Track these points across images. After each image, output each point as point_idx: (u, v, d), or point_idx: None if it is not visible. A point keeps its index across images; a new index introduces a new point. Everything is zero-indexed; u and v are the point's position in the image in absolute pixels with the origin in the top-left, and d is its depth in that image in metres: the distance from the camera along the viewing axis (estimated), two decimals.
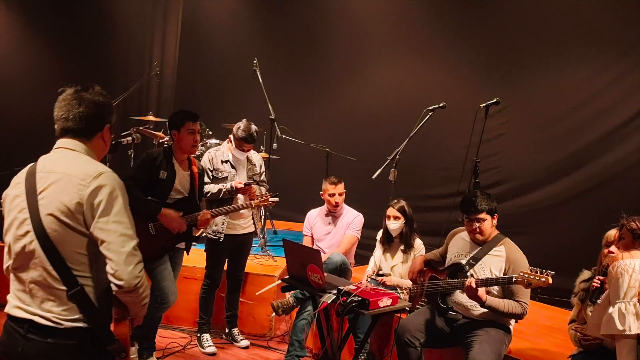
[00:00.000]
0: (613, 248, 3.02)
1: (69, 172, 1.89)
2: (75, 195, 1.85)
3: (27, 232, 1.88)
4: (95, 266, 1.90)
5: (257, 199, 4.12)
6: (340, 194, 4.54)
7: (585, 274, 3.26)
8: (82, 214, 1.86)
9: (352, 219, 4.58)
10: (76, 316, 1.88)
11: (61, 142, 1.99)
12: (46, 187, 1.89)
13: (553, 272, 2.91)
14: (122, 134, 5.49)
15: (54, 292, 1.88)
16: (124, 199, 1.92)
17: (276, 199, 4.13)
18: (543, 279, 2.89)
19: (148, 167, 3.63)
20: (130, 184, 3.54)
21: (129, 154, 5.99)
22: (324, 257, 4.37)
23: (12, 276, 1.95)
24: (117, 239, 1.86)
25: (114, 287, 1.87)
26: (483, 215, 3.31)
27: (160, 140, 5.82)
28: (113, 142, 3.83)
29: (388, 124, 6.44)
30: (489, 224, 3.34)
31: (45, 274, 1.87)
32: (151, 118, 6.08)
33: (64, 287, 1.87)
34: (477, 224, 3.33)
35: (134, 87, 6.42)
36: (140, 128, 5.84)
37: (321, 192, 4.61)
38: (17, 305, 1.92)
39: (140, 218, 3.58)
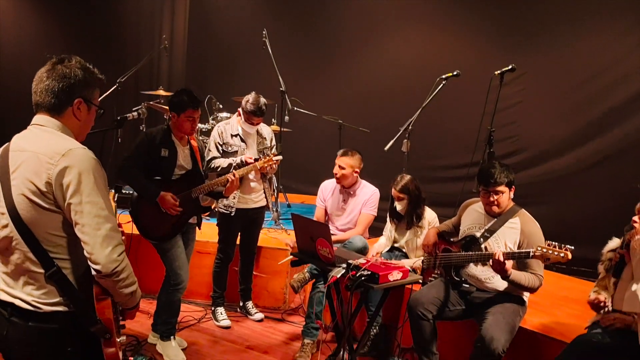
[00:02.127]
0: (637, 218, 2.87)
1: (38, 150, 1.80)
2: (44, 175, 1.77)
3: (3, 213, 1.82)
4: (74, 248, 1.82)
5: (261, 159, 3.98)
6: (341, 167, 4.34)
7: (614, 242, 3.14)
8: (52, 194, 1.77)
9: (368, 197, 4.43)
10: (55, 300, 1.84)
11: (35, 119, 1.91)
12: (17, 167, 1.82)
13: (572, 247, 2.82)
14: (134, 109, 5.47)
15: (33, 275, 1.83)
16: (97, 177, 1.81)
17: (280, 157, 4.02)
18: (562, 254, 2.81)
19: (147, 146, 3.60)
20: (129, 165, 3.55)
21: (141, 129, 5.96)
22: (341, 236, 4.33)
23: None
24: (92, 221, 1.76)
25: (93, 272, 1.80)
26: (502, 188, 3.23)
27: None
28: (118, 118, 3.86)
29: (401, 94, 6.31)
30: (506, 197, 3.27)
31: (23, 256, 1.82)
32: (162, 92, 6.03)
33: (41, 270, 1.82)
34: (495, 197, 3.25)
35: (142, 62, 6.35)
36: (151, 103, 5.81)
37: None
38: (1, 287, 1.89)
39: None
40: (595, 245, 3.31)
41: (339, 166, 4.36)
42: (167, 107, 5.91)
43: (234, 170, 3.88)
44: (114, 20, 7.53)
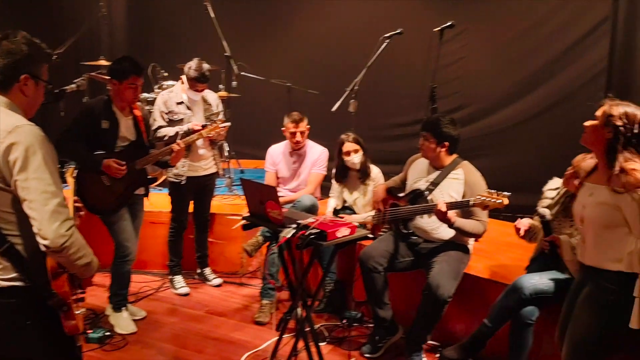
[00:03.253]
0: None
1: None
2: None
3: None
4: (25, 224, 1.82)
5: (208, 127, 3.96)
6: (302, 133, 4.40)
7: (554, 182, 3.32)
8: (0, 172, 1.78)
9: (317, 156, 4.49)
10: (12, 275, 1.86)
11: None
12: None
13: (509, 193, 2.96)
14: (74, 80, 5.32)
15: None
16: (44, 153, 1.81)
17: (227, 124, 4.03)
18: (499, 201, 2.95)
19: (86, 119, 3.53)
20: (67, 138, 3.48)
21: (84, 101, 5.79)
22: (292, 196, 4.40)
23: None
24: (39, 197, 1.78)
25: (41, 247, 1.82)
26: (427, 135, 3.39)
27: None
28: (57, 91, 3.77)
29: (348, 55, 6.29)
30: (431, 147, 3.39)
31: None
32: (103, 62, 5.85)
33: None
34: (422, 141, 3.42)
35: (80, 32, 6.12)
36: (93, 74, 5.64)
37: (283, 129, 4.49)
38: None
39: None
40: (538, 192, 3.49)
41: (300, 132, 4.38)
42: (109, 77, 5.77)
43: (179, 140, 3.85)
44: None
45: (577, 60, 5.39)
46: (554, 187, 3.30)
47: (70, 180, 2.53)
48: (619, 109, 2.32)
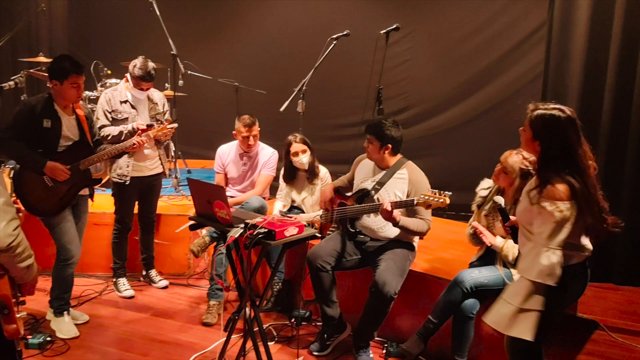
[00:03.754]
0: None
1: None
2: None
3: None
4: None
5: (155, 127, 3.93)
6: (254, 136, 4.40)
7: (486, 182, 3.45)
8: None
9: (268, 158, 4.50)
10: None
11: None
12: None
13: (450, 193, 3.06)
14: (12, 77, 5.13)
15: None
16: None
17: (175, 125, 4.00)
18: (441, 200, 3.05)
19: (27, 117, 3.42)
20: (9, 137, 3.36)
21: (22, 99, 5.57)
22: (241, 197, 4.38)
23: None
24: None
25: None
26: (370, 138, 3.46)
27: None
28: None
29: (296, 55, 6.35)
30: (375, 149, 3.47)
31: None
32: (42, 59, 5.64)
33: None
34: (366, 143, 3.50)
35: (18, 27, 5.88)
36: (31, 70, 5.43)
37: (234, 132, 4.47)
38: None
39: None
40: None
41: (253, 136, 4.38)
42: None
43: (142, 134, 3.85)
44: None
45: (517, 63, 5.63)
46: (486, 186, 3.45)
47: (7, 181, 2.45)
48: (538, 113, 2.34)
